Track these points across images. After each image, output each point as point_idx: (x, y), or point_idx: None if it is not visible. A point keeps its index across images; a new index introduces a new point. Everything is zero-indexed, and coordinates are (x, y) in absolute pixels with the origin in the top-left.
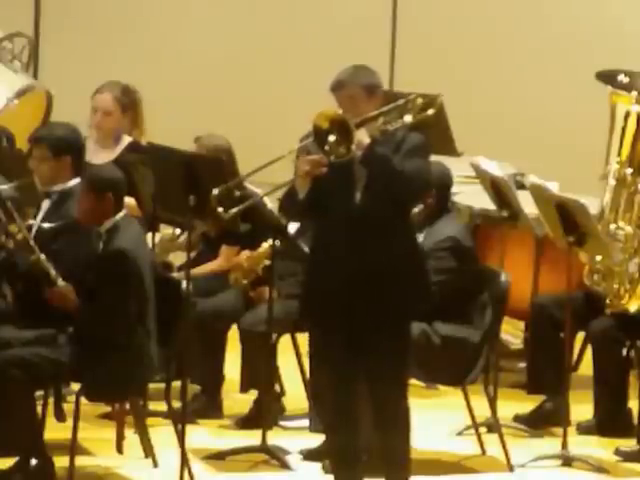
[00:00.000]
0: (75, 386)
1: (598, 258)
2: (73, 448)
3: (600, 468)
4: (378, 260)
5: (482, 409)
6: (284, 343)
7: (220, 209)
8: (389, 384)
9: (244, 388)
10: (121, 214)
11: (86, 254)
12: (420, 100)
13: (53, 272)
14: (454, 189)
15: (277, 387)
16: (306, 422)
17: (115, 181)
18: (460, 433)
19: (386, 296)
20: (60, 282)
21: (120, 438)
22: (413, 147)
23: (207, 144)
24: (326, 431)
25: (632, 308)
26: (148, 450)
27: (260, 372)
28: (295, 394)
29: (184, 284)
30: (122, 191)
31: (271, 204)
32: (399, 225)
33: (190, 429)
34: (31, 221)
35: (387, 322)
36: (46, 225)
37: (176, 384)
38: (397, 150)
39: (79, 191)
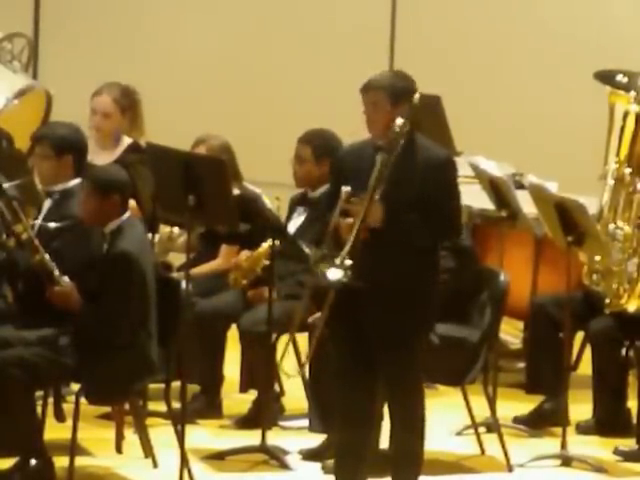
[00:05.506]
0: (75, 386)
1: (597, 258)
2: (73, 448)
3: (599, 468)
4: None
5: (481, 409)
6: (284, 343)
7: None
8: (405, 388)
9: (243, 388)
10: (126, 215)
11: (86, 254)
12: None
13: (56, 272)
14: None
15: (276, 387)
16: (306, 422)
17: (122, 182)
18: (459, 433)
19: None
20: (63, 281)
21: (120, 438)
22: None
23: (214, 144)
24: (329, 429)
25: (631, 308)
26: (148, 450)
27: (259, 372)
28: (294, 394)
29: (184, 284)
30: (128, 192)
31: (271, 204)
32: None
33: (190, 429)
34: (32, 221)
35: (398, 329)
36: (51, 224)
37: (176, 384)
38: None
39: (80, 191)
